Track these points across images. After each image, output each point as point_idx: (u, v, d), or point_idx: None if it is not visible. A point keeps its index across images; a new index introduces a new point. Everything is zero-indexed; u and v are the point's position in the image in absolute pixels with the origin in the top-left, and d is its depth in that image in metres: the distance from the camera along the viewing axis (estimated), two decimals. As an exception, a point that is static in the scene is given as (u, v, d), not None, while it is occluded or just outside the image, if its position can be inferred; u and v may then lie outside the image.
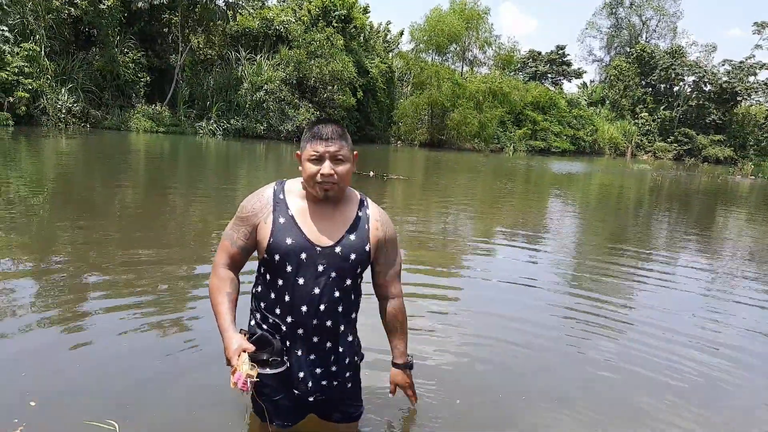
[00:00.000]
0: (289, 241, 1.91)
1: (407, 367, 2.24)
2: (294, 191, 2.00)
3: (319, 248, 1.93)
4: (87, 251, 5.18)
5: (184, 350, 3.18)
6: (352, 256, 1.97)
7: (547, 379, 3.22)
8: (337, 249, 1.95)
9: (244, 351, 1.83)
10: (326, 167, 1.88)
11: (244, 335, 1.92)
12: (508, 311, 4.40)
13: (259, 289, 2.04)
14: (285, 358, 1.95)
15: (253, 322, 2.05)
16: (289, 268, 1.92)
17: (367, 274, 2.13)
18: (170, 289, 4.30)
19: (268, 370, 1.87)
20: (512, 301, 4.76)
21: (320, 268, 1.93)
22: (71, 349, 3.09)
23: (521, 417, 2.76)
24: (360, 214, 2.04)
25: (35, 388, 2.58)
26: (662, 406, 2.97)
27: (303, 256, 1.91)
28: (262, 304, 2.02)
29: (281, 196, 1.98)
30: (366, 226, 2.03)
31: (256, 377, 1.80)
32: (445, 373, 3.15)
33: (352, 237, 1.98)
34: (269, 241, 1.92)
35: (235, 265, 2.04)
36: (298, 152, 1.97)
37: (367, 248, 2.01)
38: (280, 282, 1.95)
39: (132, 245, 5.58)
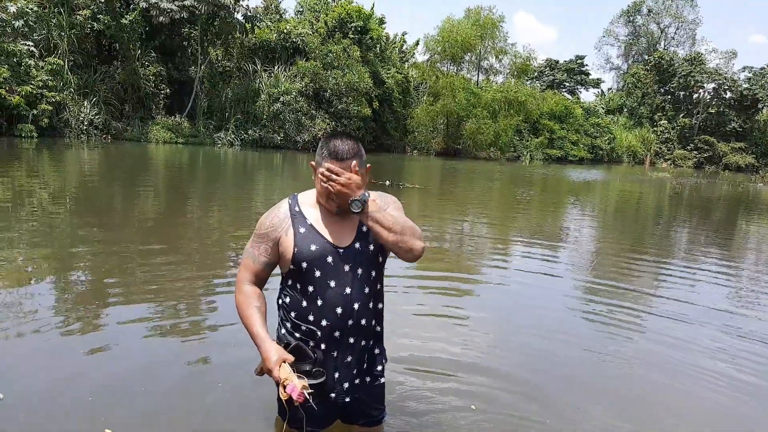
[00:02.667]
0: (313, 247, 1.96)
1: (365, 195, 1.88)
2: (307, 202, 2.06)
3: (341, 249, 1.98)
4: (108, 260, 5.28)
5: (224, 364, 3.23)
6: (371, 248, 2.03)
7: (565, 387, 3.19)
8: (357, 245, 2.01)
9: (284, 362, 1.89)
10: None
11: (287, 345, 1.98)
12: (525, 314, 4.42)
13: (288, 299, 2.07)
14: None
15: (283, 331, 2.08)
16: (318, 273, 1.97)
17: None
18: (203, 300, 4.37)
19: (310, 381, 1.92)
20: (529, 305, 4.77)
21: (346, 267, 1.98)
22: (128, 370, 3.02)
23: (535, 421, 2.74)
24: None
25: (106, 415, 2.52)
26: (684, 410, 2.93)
27: (329, 259, 1.97)
28: (293, 314, 2.04)
29: (297, 209, 2.04)
30: None
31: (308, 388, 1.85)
32: (463, 377, 3.15)
33: (365, 228, 2.02)
34: (294, 251, 1.97)
35: (259, 280, 2.08)
36: (313, 163, 2.01)
37: None
38: (311, 288, 1.98)
39: (151, 254, 5.67)
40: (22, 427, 2.40)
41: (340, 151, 1.91)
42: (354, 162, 1.93)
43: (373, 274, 2.04)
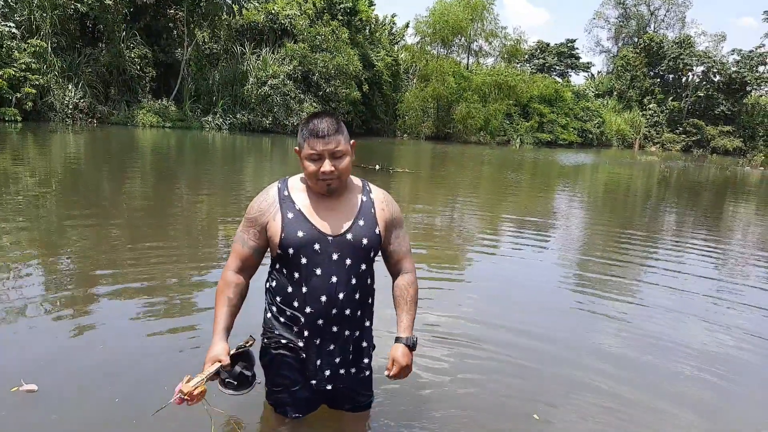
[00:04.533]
0: (300, 234, 1.94)
1: (410, 343, 2.08)
2: (297, 187, 2.03)
3: (330, 237, 1.96)
4: (96, 244, 5.22)
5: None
6: (364, 241, 2.00)
7: (552, 378, 3.19)
8: (349, 236, 1.98)
9: (219, 362, 1.87)
10: (327, 165, 1.91)
11: (247, 343, 2.00)
12: (510, 310, 4.40)
13: (274, 283, 2.06)
14: (249, 389, 1.98)
15: (269, 315, 2.08)
16: (304, 260, 1.95)
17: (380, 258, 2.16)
18: (188, 285, 4.33)
19: (224, 389, 1.92)
20: (515, 300, 4.74)
21: (335, 256, 1.96)
22: (121, 359, 3.04)
23: (527, 419, 2.75)
24: (365, 199, 2.07)
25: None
26: (672, 399, 2.96)
27: (316, 246, 1.95)
28: (278, 298, 2.04)
29: (286, 193, 2.01)
30: (372, 210, 2.06)
31: (197, 398, 1.78)
32: (449, 368, 3.16)
33: (362, 222, 2.01)
34: (281, 236, 1.95)
35: (247, 266, 2.06)
36: (297, 148, 1.99)
37: (377, 231, 2.04)
38: (297, 275, 1.97)
39: (139, 238, 5.61)
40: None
41: (320, 129, 1.90)
42: (339, 139, 1.92)
43: (363, 267, 2.02)
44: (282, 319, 2.02)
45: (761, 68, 47.58)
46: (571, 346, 3.53)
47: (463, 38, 39.06)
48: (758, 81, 47.22)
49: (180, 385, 1.77)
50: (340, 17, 30.09)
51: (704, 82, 48.96)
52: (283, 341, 2.03)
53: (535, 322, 3.88)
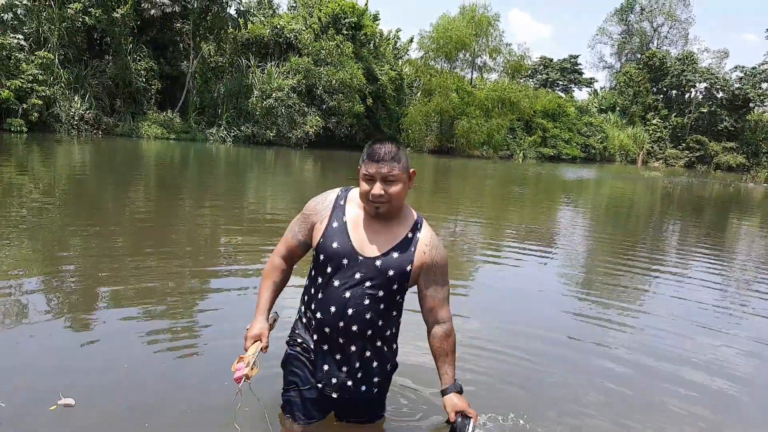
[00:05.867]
0: (335, 245, 2.02)
1: (458, 389, 2.11)
2: (354, 200, 2.10)
3: (361, 257, 2.01)
4: (100, 254, 5.21)
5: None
6: (391, 272, 2.02)
7: (553, 393, 3.15)
8: (378, 262, 2.02)
9: (259, 341, 2.01)
10: (377, 188, 1.96)
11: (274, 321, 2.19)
12: (515, 318, 4.38)
13: (306, 283, 2.18)
14: None
15: (297, 315, 2.21)
16: (329, 269, 2.03)
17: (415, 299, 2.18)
18: (192, 297, 4.31)
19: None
20: (520, 308, 4.74)
21: (357, 275, 2.01)
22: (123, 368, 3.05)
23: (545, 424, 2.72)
24: (410, 235, 2.09)
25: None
26: (672, 417, 2.92)
27: (344, 261, 2.01)
28: (305, 298, 2.16)
29: (342, 202, 2.09)
30: (413, 249, 2.07)
31: (251, 379, 1.91)
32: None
33: (396, 255, 2.04)
34: (319, 241, 2.06)
35: (292, 256, 2.19)
36: (359, 167, 2.06)
37: (408, 269, 2.05)
38: (320, 280, 2.07)
39: (142, 251, 5.60)
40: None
41: (376, 153, 1.96)
42: (393, 165, 1.95)
43: (381, 293, 2.04)
44: (304, 320, 2.15)
45: (764, 85, 47.71)
46: (582, 353, 3.57)
47: (467, 54, 39.30)
48: (761, 97, 47.33)
49: (244, 370, 1.88)
50: (345, 32, 30.34)
51: (707, 99, 49.08)
52: (299, 340, 2.14)
53: (543, 332, 3.89)
